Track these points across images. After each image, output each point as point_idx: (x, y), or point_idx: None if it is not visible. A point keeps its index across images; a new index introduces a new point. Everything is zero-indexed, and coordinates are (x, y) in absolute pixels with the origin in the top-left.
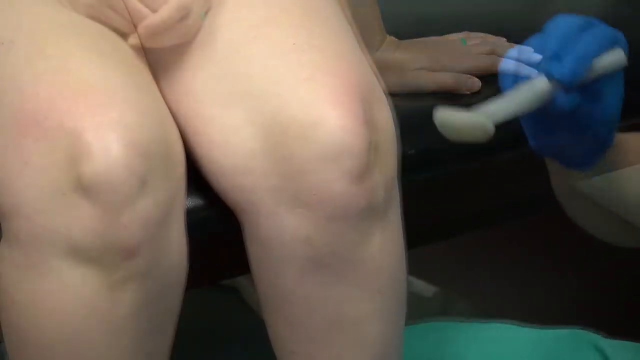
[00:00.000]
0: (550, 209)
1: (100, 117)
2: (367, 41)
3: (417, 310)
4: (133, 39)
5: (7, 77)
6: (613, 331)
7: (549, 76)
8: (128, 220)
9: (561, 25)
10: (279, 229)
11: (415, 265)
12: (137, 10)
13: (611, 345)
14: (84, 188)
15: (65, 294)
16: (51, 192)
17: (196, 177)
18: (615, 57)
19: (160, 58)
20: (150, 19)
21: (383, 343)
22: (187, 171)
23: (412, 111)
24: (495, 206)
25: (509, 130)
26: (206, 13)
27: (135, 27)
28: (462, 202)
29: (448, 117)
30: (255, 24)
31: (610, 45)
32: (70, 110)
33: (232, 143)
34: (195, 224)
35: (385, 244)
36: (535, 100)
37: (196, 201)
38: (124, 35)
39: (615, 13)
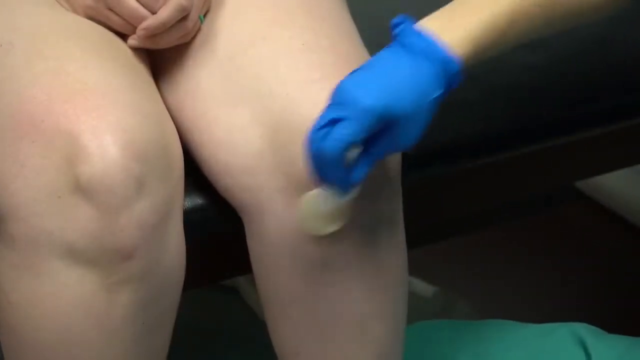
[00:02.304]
0: (550, 209)
1: (97, 120)
2: None
3: (417, 310)
4: (132, 40)
5: (6, 78)
6: (613, 329)
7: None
8: (125, 223)
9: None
10: (284, 229)
11: (415, 265)
12: (136, 11)
13: (599, 340)
14: (81, 190)
15: (63, 295)
16: (48, 194)
17: (196, 177)
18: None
19: (162, 58)
20: (150, 21)
21: (386, 342)
22: (186, 171)
23: None
24: (495, 206)
25: (508, 131)
26: (205, 15)
27: (134, 28)
28: (462, 202)
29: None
30: (262, 24)
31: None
32: (67, 113)
33: (239, 143)
34: (195, 224)
35: (389, 243)
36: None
37: (196, 201)
38: (123, 37)
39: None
